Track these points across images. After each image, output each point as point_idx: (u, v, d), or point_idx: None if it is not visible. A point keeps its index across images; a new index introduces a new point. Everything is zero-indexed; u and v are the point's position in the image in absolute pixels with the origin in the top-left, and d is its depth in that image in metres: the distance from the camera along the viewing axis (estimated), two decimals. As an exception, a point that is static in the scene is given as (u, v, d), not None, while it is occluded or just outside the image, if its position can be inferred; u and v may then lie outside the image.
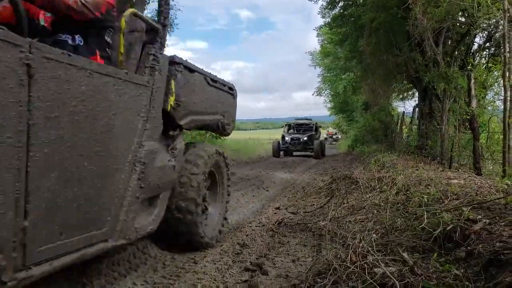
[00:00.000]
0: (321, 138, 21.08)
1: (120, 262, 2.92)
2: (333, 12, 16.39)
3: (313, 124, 19.28)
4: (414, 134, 12.24)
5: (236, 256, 3.28)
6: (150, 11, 13.80)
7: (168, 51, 15.22)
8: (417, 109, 12.42)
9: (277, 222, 4.31)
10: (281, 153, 17.60)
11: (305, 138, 17.51)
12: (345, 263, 2.39)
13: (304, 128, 19.22)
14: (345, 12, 15.65)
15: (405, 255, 2.46)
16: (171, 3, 13.50)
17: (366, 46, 13.24)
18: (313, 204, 5.21)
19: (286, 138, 17.68)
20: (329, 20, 17.13)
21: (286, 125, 20.35)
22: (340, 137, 32.63)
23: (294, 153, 18.28)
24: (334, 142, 30.63)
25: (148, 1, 13.33)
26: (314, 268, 2.67)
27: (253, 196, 6.42)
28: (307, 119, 20.98)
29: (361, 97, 21.93)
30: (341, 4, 15.69)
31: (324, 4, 16.27)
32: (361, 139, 18.34)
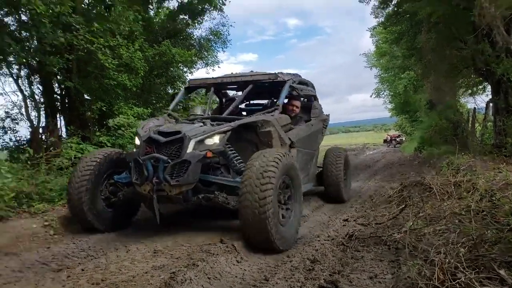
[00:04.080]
0: (320, 134, 6.40)
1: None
2: (386, 11, 15.90)
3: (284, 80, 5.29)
4: (490, 132, 11.26)
5: (308, 272, 3.17)
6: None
7: (222, 66, 15.55)
8: (491, 104, 11.43)
9: (347, 235, 4.12)
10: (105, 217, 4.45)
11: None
12: (432, 282, 2.18)
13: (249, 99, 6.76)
14: (399, 10, 15.07)
15: (502, 272, 2.20)
16: (225, 21, 13.81)
17: (425, 42, 12.58)
18: (385, 215, 4.92)
19: (137, 142, 4.38)
20: (383, 20, 16.61)
21: (182, 90, 5.90)
22: (404, 139, 30.99)
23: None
24: (398, 145, 29.15)
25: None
26: (397, 287, 2.48)
27: (317, 207, 6.23)
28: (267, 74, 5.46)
29: (424, 96, 20.77)
30: (394, 1, 15.13)
31: (377, 3, 15.79)
32: (428, 141, 17.18)
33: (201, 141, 4.03)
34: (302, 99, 6.16)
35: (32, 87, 8.05)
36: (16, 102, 8.14)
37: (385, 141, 32.97)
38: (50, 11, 6.22)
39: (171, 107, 5.54)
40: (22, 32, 6.75)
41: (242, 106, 6.78)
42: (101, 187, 4.46)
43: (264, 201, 3.46)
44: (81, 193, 4.19)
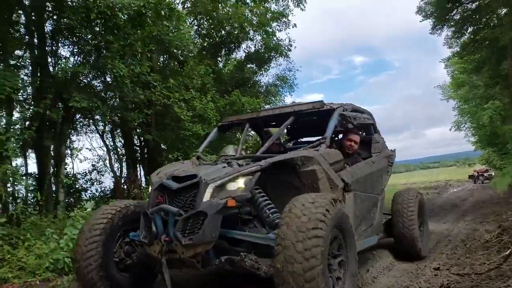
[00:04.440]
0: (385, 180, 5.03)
1: None
2: (461, 40, 15.18)
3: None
4: None
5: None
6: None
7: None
8: None
9: (442, 288, 3.62)
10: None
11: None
12: None
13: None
14: (476, 37, 14.26)
15: None
16: (291, 66, 14.07)
17: (512, 69, 11.60)
18: (484, 263, 4.29)
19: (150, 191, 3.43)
20: (458, 49, 15.84)
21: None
22: (493, 174, 28.03)
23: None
24: (486, 181, 26.40)
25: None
26: None
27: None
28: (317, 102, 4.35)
29: (515, 126, 18.89)
30: (470, 29, 14.38)
31: (450, 34, 15.14)
32: (525, 176, 15.35)
33: (221, 186, 3.07)
34: (360, 132, 4.99)
35: (115, 140, 8.81)
36: (101, 156, 8.96)
37: (471, 176, 30.25)
38: (131, 72, 6.86)
39: (200, 149, 4.73)
40: (108, 92, 7.48)
41: (290, 145, 5.77)
42: (115, 248, 3.53)
43: (311, 272, 2.44)
44: (90, 258, 3.29)
